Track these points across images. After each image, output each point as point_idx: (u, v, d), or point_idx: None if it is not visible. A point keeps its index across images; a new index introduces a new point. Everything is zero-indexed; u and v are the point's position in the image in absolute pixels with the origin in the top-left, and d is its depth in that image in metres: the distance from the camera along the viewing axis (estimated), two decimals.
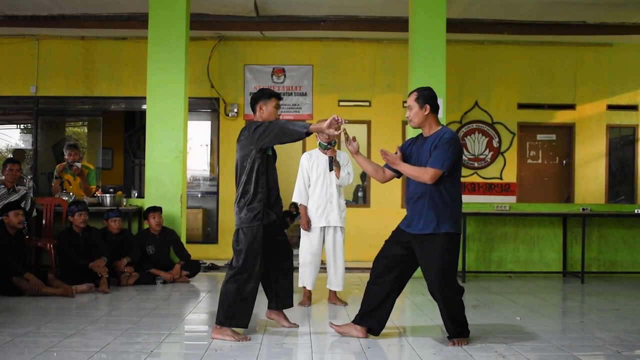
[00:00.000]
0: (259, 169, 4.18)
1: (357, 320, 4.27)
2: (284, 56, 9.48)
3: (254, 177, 4.18)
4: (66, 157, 7.54)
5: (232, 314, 4.13)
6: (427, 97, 4.09)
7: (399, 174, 4.29)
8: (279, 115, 4.41)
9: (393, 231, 4.28)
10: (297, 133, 4.01)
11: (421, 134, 4.21)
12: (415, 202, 4.07)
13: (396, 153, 4.18)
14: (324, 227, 5.44)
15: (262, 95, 4.35)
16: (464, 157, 9.62)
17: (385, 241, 4.28)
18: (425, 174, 3.96)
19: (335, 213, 5.42)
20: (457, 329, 4.07)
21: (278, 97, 4.40)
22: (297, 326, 4.58)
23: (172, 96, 7.26)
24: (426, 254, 4.01)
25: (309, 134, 4.00)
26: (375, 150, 9.53)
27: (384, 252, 4.22)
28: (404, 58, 8.24)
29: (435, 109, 4.10)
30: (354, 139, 4.25)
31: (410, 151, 4.20)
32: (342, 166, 5.47)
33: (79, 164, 7.44)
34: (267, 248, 4.30)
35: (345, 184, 5.55)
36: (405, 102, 9.06)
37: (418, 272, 7.38)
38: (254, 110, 4.39)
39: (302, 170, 5.52)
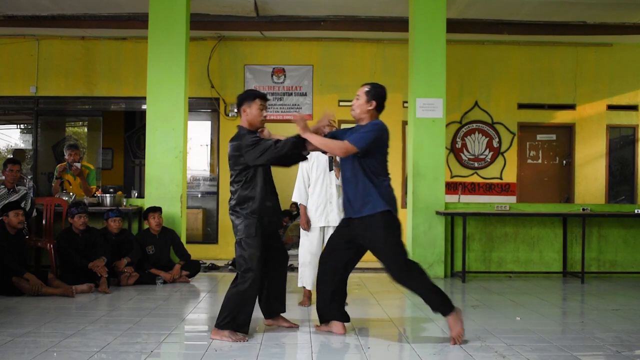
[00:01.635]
0: (255, 178, 4.20)
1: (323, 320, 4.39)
2: (284, 56, 9.48)
3: (251, 186, 4.20)
4: (66, 157, 7.55)
5: (233, 319, 4.14)
6: (377, 94, 4.17)
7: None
8: (265, 116, 4.35)
9: (337, 226, 4.42)
10: (292, 157, 4.17)
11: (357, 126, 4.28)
12: (347, 186, 4.14)
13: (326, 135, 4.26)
14: (324, 227, 5.44)
15: (247, 97, 4.31)
16: (463, 157, 9.62)
17: (330, 237, 4.43)
18: (335, 146, 4.04)
19: (334, 213, 5.41)
20: (440, 306, 4.10)
21: (263, 97, 4.33)
22: (297, 326, 4.57)
23: (172, 96, 7.26)
24: (369, 237, 4.08)
25: (303, 148, 4.10)
26: None
27: (329, 252, 4.35)
28: (404, 58, 8.24)
29: (379, 108, 4.19)
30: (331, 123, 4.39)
31: (342, 139, 4.23)
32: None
33: (78, 164, 7.44)
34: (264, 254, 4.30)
35: None
36: (405, 102, 9.06)
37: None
38: (239, 111, 4.37)
39: (301, 170, 5.52)
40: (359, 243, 4.20)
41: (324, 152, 5.49)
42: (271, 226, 4.33)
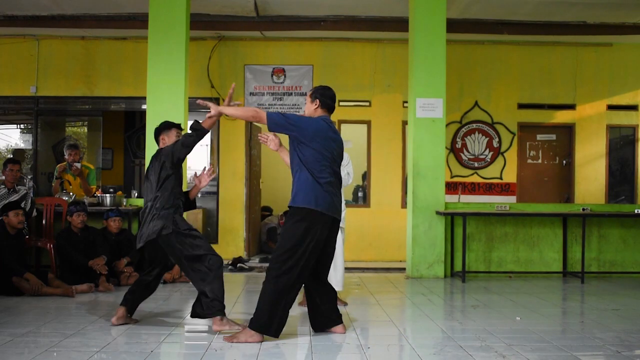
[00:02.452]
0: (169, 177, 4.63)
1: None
2: (284, 56, 9.48)
3: (164, 185, 4.60)
4: (66, 157, 7.55)
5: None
6: (319, 94, 4.38)
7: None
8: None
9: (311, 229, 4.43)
10: (192, 140, 4.51)
11: None
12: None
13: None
14: None
15: (164, 128, 4.77)
16: (463, 157, 9.62)
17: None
18: (246, 112, 4.39)
19: None
20: (256, 314, 4.12)
21: (178, 127, 4.80)
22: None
23: (172, 96, 7.26)
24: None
25: (199, 131, 4.47)
26: (375, 150, 9.53)
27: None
28: (404, 58, 8.24)
29: (324, 105, 4.35)
30: (274, 136, 4.50)
31: None
32: (342, 167, 5.45)
33: (78, 164, 7.44)
34: None
35: (346, 185, 5.54)
36: (405, 102, 9.07)
37: (419, 271, 7.39)
38: (157, 141, 4.80)
39: None
40: None
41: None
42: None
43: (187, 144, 4.51)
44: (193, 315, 4.46)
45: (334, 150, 4.27)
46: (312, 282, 4.36)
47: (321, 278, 4.37)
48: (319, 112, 4.38)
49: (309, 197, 4.16)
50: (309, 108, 4.41)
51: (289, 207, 4.29)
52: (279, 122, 4.11)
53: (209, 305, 4.31)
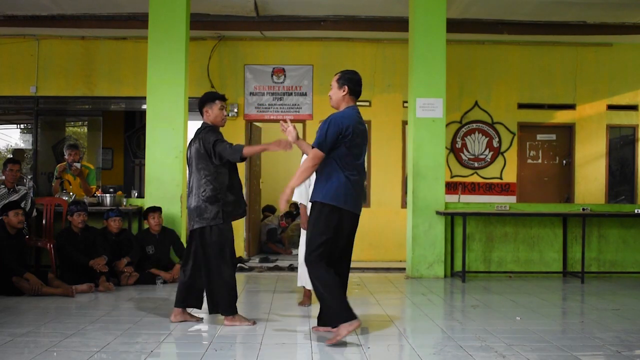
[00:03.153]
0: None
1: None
2: (284, 56, 9.48)
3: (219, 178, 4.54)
4: (66, 157, 7.54)
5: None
6: (347, 79, 4.26)
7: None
8: (226, 116, 4.74)
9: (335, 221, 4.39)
10: (232, 157, 4.43)
11: None
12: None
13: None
14: None
15: (207, 99, 4.64)
16: (463, 157, 9.62)
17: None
18: (308, 159, 4.16)
19: None
20: (333, 317, 4.10)
21: (222, 99, 4.67)
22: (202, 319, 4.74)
23: (172, 96, 7.26)
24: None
25: (243, 158, 4.42)
26: (375, 149, 9.53)
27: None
28: (404, 58, 8.24)
29: (353, 92, 4.25)
30: (294, 127, 4.41)
31: None
32: None
33: (78, 164, 7.44)
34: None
35: None
36: (405, 102, 9.07)
37: (419, 271, 7.39)
38: (201, 113, 4.68)
39: None
40: None
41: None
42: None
43: (227, 155, 4.46)
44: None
45: (362, 144, 4.24)
46: None
47: (337, 272, 4.33)
48: (347, 100, 4.27)
49: (339, 194, 4.11)
50: (337, 95, 4.28)
51: (314, 201, 4.19)
52: (322, 144, 4.08)
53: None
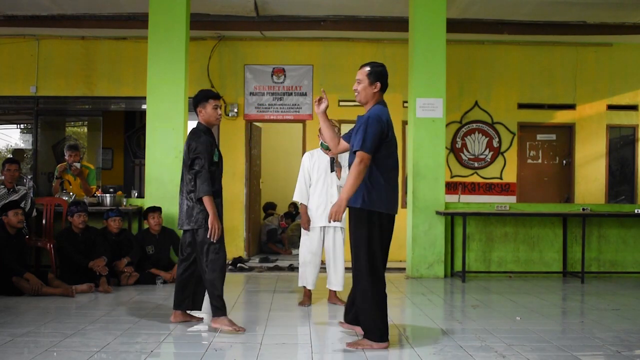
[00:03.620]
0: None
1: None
2: (284, 56, 9.48)
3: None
4: (66, 157, 7.54)
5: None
6: (380, 74, 3.99)
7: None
8: (220, 115, 4.66)
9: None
10: (200, 190, 4.37)
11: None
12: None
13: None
14: (324, 226, 5.44)
15: (200, 98, 4.58)
16: (463, 157, 9.62)
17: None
18: (354, 166, 3.85)
19: None
20: (368, 325, 3.97)
21: (216, 97, 4.62)
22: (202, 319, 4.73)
23: (172, 96, 7.26)
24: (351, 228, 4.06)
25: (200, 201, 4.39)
26: None
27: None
28: (404, 58, 8.24)
29: (384, 89, 4.02)
30: (326, 99, 4.17)
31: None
32: (344, 167, 5.47)
33: (77, 165, 7.43)
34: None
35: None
36: (405, 102, 9.06)
37: (419, 271, 7.38)
38: (196, 112, 4.63)
39: (303, 170, 5.53)
40: None
41: (327, 153, 5.47)
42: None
43: (198, 183, 4.41)
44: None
45: (395, 143, 4.04)
46: None
47: None
48: (377, 97, 4.00)
49: (382, 199, 3.92)
50: (367, 91, 3.99)
51: (353, 207, 3.94)
52: (371, 147, 3.82)
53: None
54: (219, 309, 4.43)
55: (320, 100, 4.17)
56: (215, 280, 4.40)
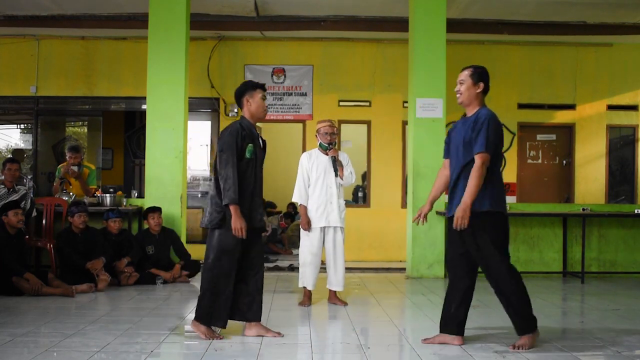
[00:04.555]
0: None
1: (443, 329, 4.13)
2: (284, 56, 9.48)
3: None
4: (68, 159, 7.54)
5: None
6: (483, 74, 4.01)
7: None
8: (267, 106, 4.38)
9: (449, 231, 4.19)
10: (224, 194, 4.01)
11: (463, 116, 4.16)
12: (462, 182, 3.98)
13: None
14: (324, 227, 5.43)
15: (247, 88, 4.28)
16: None
17: (447, 246, 4.21)
18: (476, 168, 3.82)
19: (335, 213, 5.41)
20: (523, 322, 3.96)
21: (263, 88, 4.33)
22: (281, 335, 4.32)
23: (172, 96, 7.26)
24: (470, 234, 3.91)
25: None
26: (375, 149, 9.53)
27: (449, 257, 4.19)
28: (404, 58, 8.24)
29: (486, 91, 4.03)
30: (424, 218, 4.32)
31: (450, 136, 4.17)
32: (344, 166, 5.46)
33: (75, 167, 7.42)
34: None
35: (349, 184, 5.56)
36: (405, 102, 9.06)
37: (419, 271, 7.37)
38: (240, 104, 4.32)
39: (302, 170, 5.51)
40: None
41: (326, 153, 5.45)
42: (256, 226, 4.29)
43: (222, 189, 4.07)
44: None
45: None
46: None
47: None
48: (480, 98, 4.00)
49: (502, 199, 3.97)
50: (471, 91, 3.98)
51: (479, 211, 3.83)
52: (492, 149, 3.85)
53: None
54: (200, 315, 4.18)
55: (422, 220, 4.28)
56: (209, 284, 4.15)
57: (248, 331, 4.26)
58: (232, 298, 4.19)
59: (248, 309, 4.25)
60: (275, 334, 4.26)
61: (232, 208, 4.01)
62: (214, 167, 4.23)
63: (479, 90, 3.99)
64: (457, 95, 4.07)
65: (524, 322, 3.97)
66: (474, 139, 3.88)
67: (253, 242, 4.23)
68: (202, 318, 4.18)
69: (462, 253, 4.04)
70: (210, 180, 4.28)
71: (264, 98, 4.30)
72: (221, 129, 9.24)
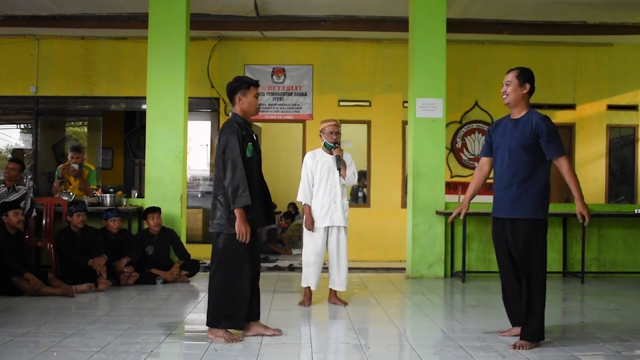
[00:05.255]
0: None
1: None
2: (284, 56, 9.48)
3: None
4: (69, 158, 7.54)
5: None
6: (530, 76, 4.08)
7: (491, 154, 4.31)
8: (259, 105, 4.33)
9: (493, 227, 4.21)
10: (234, 197, 3.93)
11: (507, 117, 4.21)
12: (517, 185, 4.01)
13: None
14: (328, 227, 5.42)
15: (240, 85, 4.18)
16: (463, 157, 9.62)
17: (494, 244, 4.23)
18: (565, 169, 3.98)
19: (339, 213, 5.40)
20: (538, 328, 3.97)
21: (257, 85, 4.25)
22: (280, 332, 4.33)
23: (172, 96, 7.26)
24: (523, 238, 3.96)
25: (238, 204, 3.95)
26: (375, 150, 9.53)
27: (497, 256, 4.21)
28: (404, 58, 8.24)
29: (532, 91, 4.10)
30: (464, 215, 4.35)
31: (496, 134, 4.23)
32: (347, 166, 5.46)
33: (76, 166, 7.42)
34: None
35: (351, 184, 5.56)
36: (405, 102, 9.07)
37: (419, 271, 7.37)
38: (232, 101, 4.23)
39: (306, 170, 5.47)
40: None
41: (330, 153, 5.44)
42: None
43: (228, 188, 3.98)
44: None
45: None
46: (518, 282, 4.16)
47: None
48: (526, 99, 4.06)
49: (548, 207, 4.05)
50: (517, 92, 4.07)
51: (531, 219, 3.92)
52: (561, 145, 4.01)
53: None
54: (214, 320, 4.14)
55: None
56: (220, 287, 4.12)
57: (246, 331, 4.25)
58: (248, 299, 4.17)
59: (251, 307, 4.26)
60: (275, 331, 4.27)
61: (237, 212, 3.95)
62: (216, 168, 4.18)
63: (525, 92, 4.09)
64: (504, 97, 4.18)
65: (539, 329, 3.97)
66: (545, 145, 3.98)
67: (253, 242, 4.22)
68: (219, 323, 4.11)
69: (507, 250, 4.09)
70: (217, 181, 4.16)
71: (256, 96, 4.23)
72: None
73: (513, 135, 4.07)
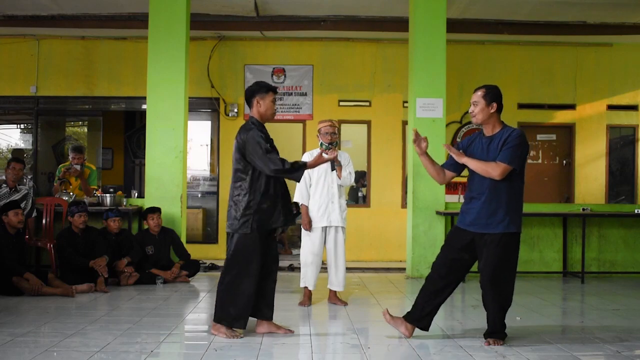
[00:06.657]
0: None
1: (408, 319, 4.25)
2: (284, 56, 9.48)
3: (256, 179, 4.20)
4: (70, 159, 7.54)
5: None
6: (494, 95, 4.10)
7: (458, 173, 4.32)
8: (276, 109, 4.42)
9: (449, 234, 4.30)
10: (294, 176, 4.11)
11: (481, 133, 4.24)
12: (479, 199, 4.05)
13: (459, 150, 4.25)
14: (326, 227, 5.43)
15: (259, 89, 4.27)
16: None
17: (442, 247, 4.26)
18: (496, 169, 3.97)
19: (336, 213, 5.41)
20: (502, 328, 4.09)
21: (275, 91, 4.34)
22: (292, 332, 4.40)
23: (172, 96, 7.26)
24: (489, 253, 4.01)
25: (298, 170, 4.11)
26: (375, 150, 9.53)
27: (441, 260, 4.19)
28: (404, 58, 8.24)
29: (500, 109, 4.12)
30: (425, 139, 4.28)
31: (472, 150, 4.22)
32: (344, 166, 5.46)
33: (78, 167, 7.43)
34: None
35: (347, 184, 5.56)
36: (405, 102, 9.06)
37: (419, 271, 7.37)
38: (250, 104, 4.31)
39: None
40: (475, 255, 4.14)
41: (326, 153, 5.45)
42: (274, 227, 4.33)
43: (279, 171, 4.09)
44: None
45: None
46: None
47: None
48: (496, 117, 4.09)
49: (521, 220, 4.12)
50: (485, 112, 4.09)
51: (507, 233, 3.99)
52: (521, 165, 4.02)
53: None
54: (220, 316, 4.23)
55: (419, 142, 4.22)
56: (230, 286, 4.17)
57: (259, 328, 4.31)
58: (253, 299, 4.22)
59: (262, 306, 4.31)
60: (287, 330, 4.34)
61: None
62: (237, 170, 4.22)
63: (492, 111, 4.09)
64: (472, 117, 4.19)
65: (501, 328, 4.10)
66: (504, 151, 3.99)
67: (270, 242, 4.31)
68: (224, 320, 4.20)
69: (453, 259, 4.14)
70: (233, 182, 4.24)
71: (274, 101, 4.31)
72: (221, 129, 9.32)
73: (484, 151, 4.12)
